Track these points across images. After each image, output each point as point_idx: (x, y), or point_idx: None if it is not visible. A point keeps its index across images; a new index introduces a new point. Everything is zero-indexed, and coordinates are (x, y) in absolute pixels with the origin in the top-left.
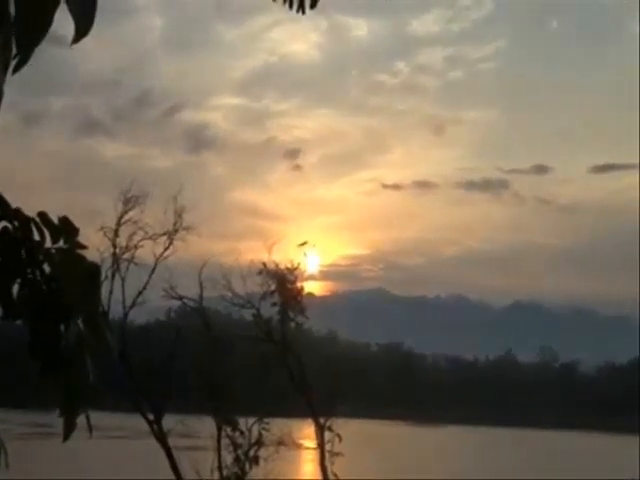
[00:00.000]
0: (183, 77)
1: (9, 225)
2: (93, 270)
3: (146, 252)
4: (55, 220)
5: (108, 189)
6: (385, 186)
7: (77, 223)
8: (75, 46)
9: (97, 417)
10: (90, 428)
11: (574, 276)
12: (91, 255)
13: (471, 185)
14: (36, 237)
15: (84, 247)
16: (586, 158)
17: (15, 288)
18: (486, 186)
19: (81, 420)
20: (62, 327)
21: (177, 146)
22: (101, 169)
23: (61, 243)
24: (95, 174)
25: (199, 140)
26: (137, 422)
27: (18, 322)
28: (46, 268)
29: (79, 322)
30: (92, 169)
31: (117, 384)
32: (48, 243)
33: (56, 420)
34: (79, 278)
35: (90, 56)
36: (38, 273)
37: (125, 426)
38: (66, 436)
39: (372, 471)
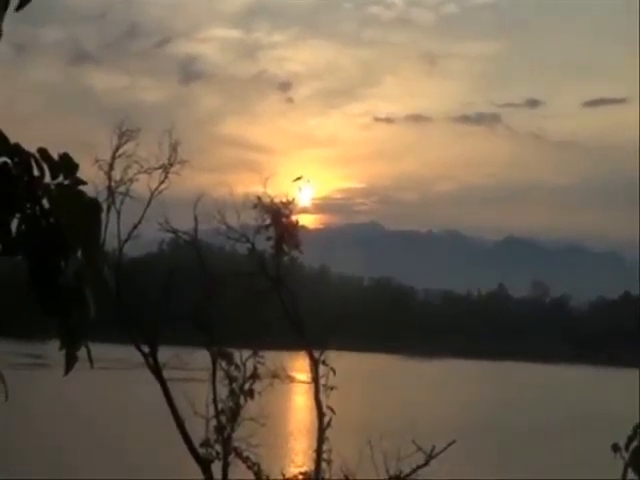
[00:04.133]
0: (174, 9)
1: (8, 160)
2: (93, 206)
3: (141, 186)
4: (55, 156)
5: (100, 121)
6: (378, 119)
7: (72, 155)
8: None
9: (93, 349)
10: (91, 360)
11: (567, 212)
12: (86, 188)
13: (465, 119)
14: (36, 173)
15: (83, 183)
16: (580, 92)
17: (14, 224)
18: (480, 120)
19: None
20: (62, 262)
21: (168, 78)
22: (93, 101)
23: (60, 179)
24: (87, 106)
25: (190, 72)
26: (132, 354)
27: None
28: (45, 204)
29: (78, 257)
30: (84, 101)
31: (112, 317)
32: (47, 179)
33: (51, 351)
34: (79, 214)
35: None
36: (37, 209)
37: (120, 358)
38: (68, 369)
39: (368, 405)
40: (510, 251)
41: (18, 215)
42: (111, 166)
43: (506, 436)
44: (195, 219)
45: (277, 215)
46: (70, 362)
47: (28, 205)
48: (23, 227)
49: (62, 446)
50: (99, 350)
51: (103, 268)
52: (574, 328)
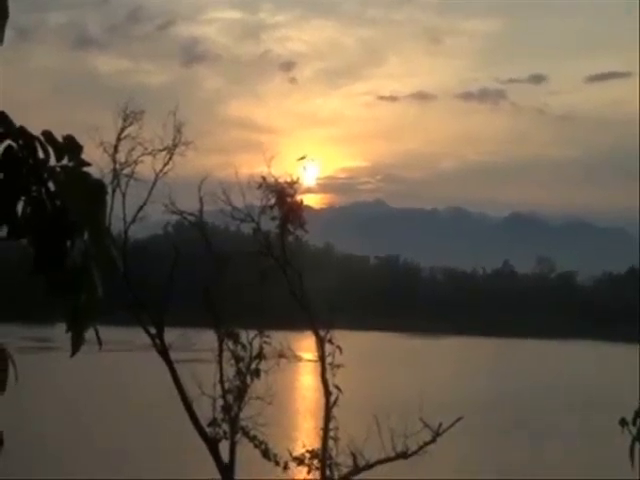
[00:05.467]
0: None
1: (13, 144)
2: (99, 188)
3: (146, 168)
4: (59, 138)
5: (104, 104)
6: (381, 98)
7: (76, 137)
8: None
9: (100, 331)
10: (100, 341)
11: (572, 187)
12: (91, 171)
13: (469, 96)
14: (41, 156)
15: (88, 164)
16: (583, 67)
17: (20, 207)
18: (484, 97)
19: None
20: (68, 244)
21: (171, 60)
22: (97, 84)
23: (65, 161)
24: (91, 89)
25: (193, 54)
26: (139, 336)
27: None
28: (51, 186)
29: (85, 238)
30: (88, 84)
31: (119, 298)
32: (52, 161)
33: (58, 334)
34: (85, 196)
35: None
36: (43, 191)
37: (127, 340)
38: (74, 350)
39: (374, 383)
40: (515, 228)
41: (23, 198)
42: (116, 148)
43: (514, 414)
44: (200, 200)
45: (282, 195)
46: (77, 343)
47: (34, 188)
48: (29, 210)
49: (65, 433)
50: (105, 332)
51: (110, 248)
52: (580, 304)
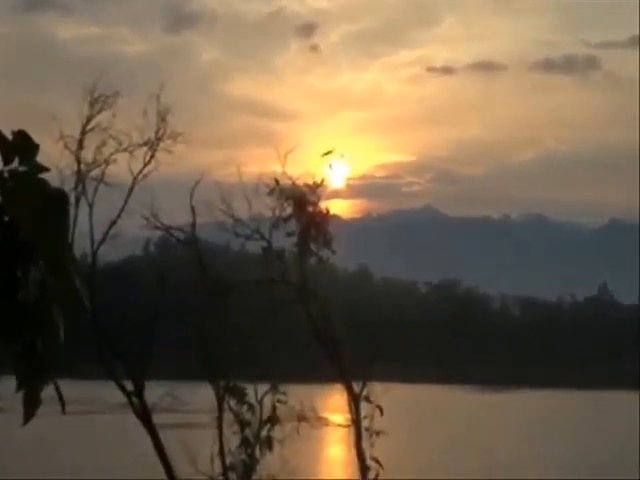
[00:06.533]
0: None
1: None
2: (58, 198)
3: (121, 168)
4: (8, 135)
5: (66, 84)
6: (432, 70)
7: (28, 131)
8: None
9: (63, 387)
10: (62, 402)
11: None
12: (49, 175)
13: (550, 66)
14: None
15: (46, 169)
16: None
17: None
18: (569, 66)
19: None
20: (19, 272)
21: (152, 25)
22: (55, 58)
23: (16, 164)
24: (48, 65)
25: (182, 16)
26: (111, 393)
27: None
28: None
29: (41, 264)
30: (43, 58)
31: (87, 343)
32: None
33: (4, 392)
34: (40, 209)
35: None
36: None
37: (96, 398)
38: (28, 416)
39: (428, 455)
40: (614, 241)
41: None
42: (81, 143)
43: None
44: (192, 211)
45: (301, 202)
46: (31, 406)
47: None
48: None
49: None
50: (70, 388)
51: (74, 278)
52: None
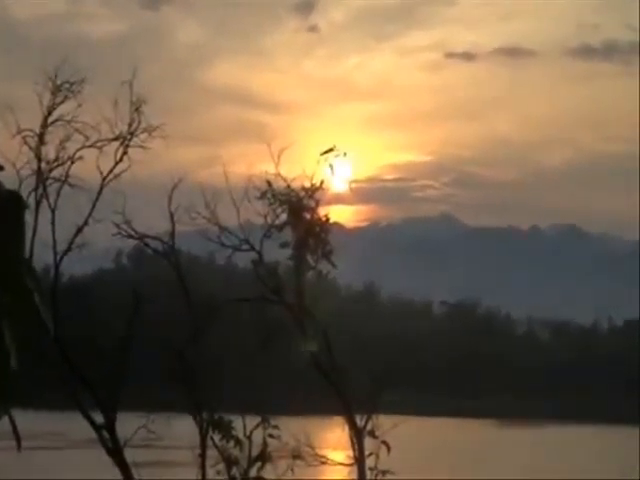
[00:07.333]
0: None
1: None
2: (13, 203)
3: (88, 167)
4: None
5: (23, 68)
6: (452, 55)
7: None
8: None
9: (20, 419)
10: (17, 436)
11: None
12: (3, 174)
13: (588, 52)
14: None
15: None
16: None
17: None
18: (611, 52)
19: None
20: None
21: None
22: (11, 36)
23: None
24: (4, 47)
25: None
26: (79, 426)
27: None
28: None
29: None
30: None
31: (49, 370)
32: None
33: None
34: None
35: None
36: None
37: (62, 431)
38: None
39: None
40: None
41: None
42: (41, 138)
43: None
44: (171, 217)
45: (297, 208)
46: None
47: None
48: None
49: None
50: (28, 422)
51: (32, 295)
52: None
